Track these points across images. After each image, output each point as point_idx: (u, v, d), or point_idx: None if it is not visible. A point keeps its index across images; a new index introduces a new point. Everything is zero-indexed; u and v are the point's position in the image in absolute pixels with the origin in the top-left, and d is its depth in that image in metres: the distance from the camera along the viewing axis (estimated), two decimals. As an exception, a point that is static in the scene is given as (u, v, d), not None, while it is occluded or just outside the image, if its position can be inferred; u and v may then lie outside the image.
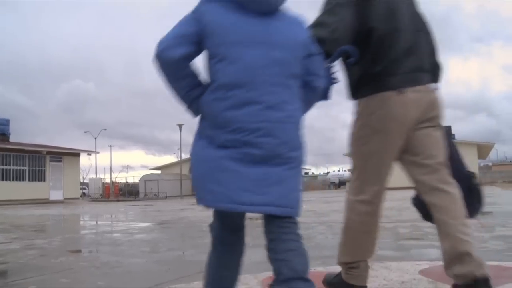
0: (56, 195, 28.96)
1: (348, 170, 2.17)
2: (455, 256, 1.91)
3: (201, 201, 1.54)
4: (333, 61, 1.92)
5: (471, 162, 37.48)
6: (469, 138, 50.36)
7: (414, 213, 7.53)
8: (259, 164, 1.47)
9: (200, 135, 1.57)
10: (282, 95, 1.51)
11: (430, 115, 2.05)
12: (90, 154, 37.63)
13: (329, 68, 1.89)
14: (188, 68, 1.57)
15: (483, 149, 40.48)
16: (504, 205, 10.13)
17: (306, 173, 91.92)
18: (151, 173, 44.79)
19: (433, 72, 2.15)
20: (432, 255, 3.64)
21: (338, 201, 16.01)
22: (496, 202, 11.45)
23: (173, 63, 1.53)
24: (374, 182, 2.09)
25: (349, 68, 2.13)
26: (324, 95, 1.90)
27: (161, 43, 1.54)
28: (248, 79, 1.47)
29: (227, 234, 1.67)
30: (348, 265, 2.18)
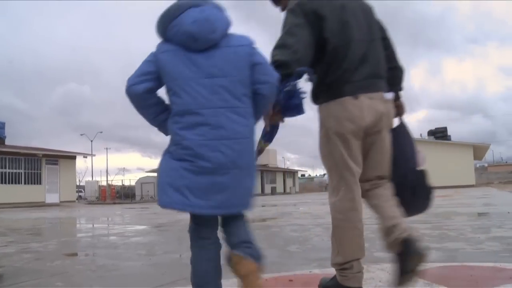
0: (52, 198, 28.89)
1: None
2: (386, 229, 2.14)
3: (160, 202, 1.87)
4: (295, 80, 2.09)
5: (467, 163, 37.65)
6: (465, 139, 50.61)
7: (410, 215, 7.34)
8: (208, 175, 1.79)
9: (166, 150, 1.90)
10: (228, 116, 1.82)
11: (383, 120, 2.22)
12: (86, 157, 37.55)
13: (295, 86, 2.08)
14: (152, 99, 1.92)
15: (479, 150, 40.63)
16: (500, 206, 10.16)
17: (303, 175, 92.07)
18: (147, 176, 44.70)
19: (392, 77, 2.35)
20: (429, 257, 3.65)
21: (334, 202, 16.03)
22: (492, 203, 11.49)
23: (138, 96, 1.88)
24: (348, 180, 2.22)
25: (309, 77, 2.28)
26: (298, 110, 2.14)
27: (128, 80, 1.88)
28: (196, 106, 1.80)
29: (201, 229, 1.95)
30: (341, 266, 2.24)
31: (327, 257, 3.65)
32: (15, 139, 34.95)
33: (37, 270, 3.71)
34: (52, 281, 3.18)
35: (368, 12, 2.35)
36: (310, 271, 3.07)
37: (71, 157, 31.65)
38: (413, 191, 2.32)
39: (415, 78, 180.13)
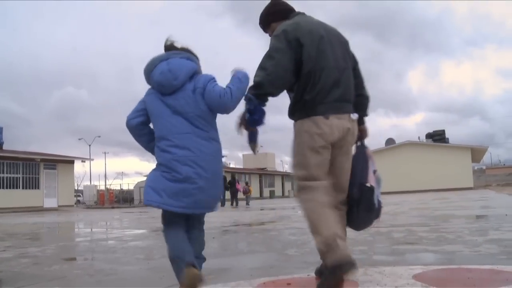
0: (50, 202, 28.82)
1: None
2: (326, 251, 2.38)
3: (144, 200, 2.45)
4: (257, 105, 2.52)
5: (465, 166, 37.70)
6: (463, 142, 50.68)
7: (408, 218, 7.62)
8: (179, 182, 2.33)
9: (155, 167, 2.48)
10: (193, 140, 2.38)
11: (348, 136, 2.61)
12: (84, 161, 37.48)
13: (255, 106, 2.52)
14: (144, 130, 2.55)
15: (477, 153, 40.71)
16: (497, 208, 10.18)
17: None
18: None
19: (358, 103, 2.74)
20: (426, 259, 3.66)
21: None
22: (490, 205, 11.52)
23: (134, 127, 2.54)
24: (313, 185, 2.54)
25: (288, 95, 2.72)
26: (259, 123, 2.60)
27: (127, 116, 2.53)
28: (167, 134, 2.40)
29: (171, 219, 2.46)
30: (325, 248, 2.41)
31: (325, 260, 3.66)
32: (13, 143, 34.94)
33: (35, 274, 3.70)
34: (50, 286, 3.18)
35: (344, 44, 2.74)
36: (308, 275, 3.07)
37: (69, 162, 31.61)
38: (358, 205, 2.65)
39: (413, 81, 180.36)
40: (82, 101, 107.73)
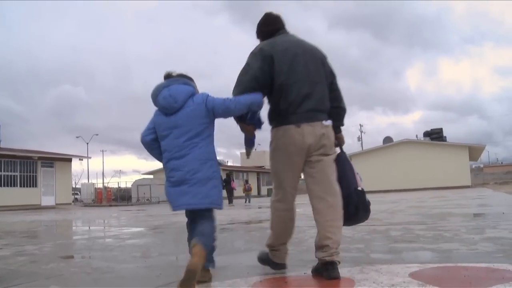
0: (48, 200, 28.78)
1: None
2: (319, 246, 2.79)
3: (171, 208, 3.00)
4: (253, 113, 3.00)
5: (463, 164, 37.75)
6: (461, 140, 50.77)
7: (406, 216, 7.64)
8: (176, 186, 2.89)
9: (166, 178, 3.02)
10: (190, 149, 2.87)
11: (321, 143, 2.87)
12: (82, 159, 37.39)
13: (253, 113, 3.00)
14: (155, 145, 3.05)
15: (474, 151, 40.75)
16: (495, 206, 10.21)
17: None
18: (143, 178, 44.60)
19: (335, 114, 3.04)
20: (423, 258, 3.67)
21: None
22: (487, 203, 11.54)
23: (147, 143, 3.07)
24: (284, 187, 2.98)
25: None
26: (257, 126, 3.08)
27: (141, 133, 3.07)
28: (168, 147, 2.94)
29: (187, 217, 3.12)
30: (272, 247, 3.11)
31: (322, 259, 3.66)
32: (10, 141, 34.83)
33: (32, 272, 3.70)
34: (47, 284, 3.18)
35: (320, 60, 3.04)
36: (304, 273, 3.08)
37: (67, 160, 31.55)
38: (357, 207, 2.95)
39: (411, 79, 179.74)
40: (79, 99, 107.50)
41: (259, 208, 16.36)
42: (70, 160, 31.95)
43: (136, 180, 42.26)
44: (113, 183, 56.20)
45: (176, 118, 2.90)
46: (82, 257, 4.80)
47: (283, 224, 3.04)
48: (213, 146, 2.98)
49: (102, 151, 64.45)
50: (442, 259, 3.49)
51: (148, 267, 3.73)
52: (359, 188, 2.99)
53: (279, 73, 2.88)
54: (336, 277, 2.69)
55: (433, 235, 4.98)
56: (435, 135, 41.99)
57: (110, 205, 31.89)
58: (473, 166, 60.52)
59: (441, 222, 6.76)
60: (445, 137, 42.34)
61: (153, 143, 3.03)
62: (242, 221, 9.21)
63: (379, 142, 44.07)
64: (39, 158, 28.88)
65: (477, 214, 8.33)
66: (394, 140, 42.32)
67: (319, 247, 2.78)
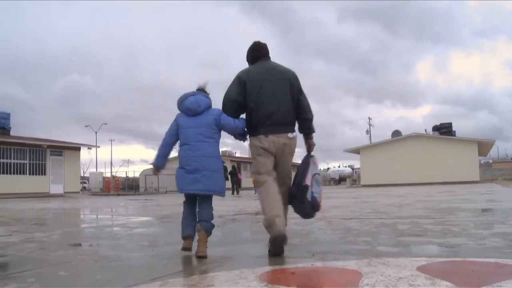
0: (56, 189, 29.02)
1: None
2: (270, 223, 3.56)
3: (178, 189, 3.76)
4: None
5: (472, 159, 37.45)
6: (470, 135, 50.31)
7: (413, 210, 7.62)
8: (190, 173, 3.63)
9: (179, 164, 3.76)
10: (203, 145, 3.67)
11: (285, 149, 3.82)
12: (90, 148, 37.64)
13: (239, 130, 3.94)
14: (173, 146, 3.89)
15: (483, 146, 40.42)
16: (503, 202, 10.13)
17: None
18: (151, 168, 44.73)
19: (303, 124, 3.95)
20: (431, 252, 3.65)
21: (338, 197, 16.02)
22: (496, 199, 11.46)
23: (169, 143, 3.86)
24: (262, 179, 3.79)
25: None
26: (242, 139, 4.07)
27: (166, 133, 3.86)
28: (187, 140, 3.71)
29: (187, 200, 3.84)
30: (267, 223, 3.59)
31: (330, 251, 3.68)
32: (19, 130, 35.08)
33: (41, 259, 3.73)
34: (55, 271, 3.20)
35: (286, 83, 3.84)
36: (312, 264, 3.08)
37: (76, 148, 31.74)
38: (294, 196, 3.89)
39: (421, 72, 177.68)
40: (87, 88, 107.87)
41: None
42: (78, 149, 32.14)
43: (144, 170, 42.44)
44: (121, 172, 56.57)
45: (196, 120, 3.75)
46: (89, 245, 4.83)
47: (275, 194, 3.67)
48: (218, 147, 3.85)
49: (111, 140, 64.97)
50: (450, 253, 3.47)
51: (156, 256, 3.74)
52: (303, 184, 3.85)
53: (250, 96, 3.77)
54: (282, 245, 3.53)
55: (441, 229, 4.96)
56: (444, 130, 41.63)
57: (118, 194, 32.11)
58: (482, 162, 60.02)
59: (449, 216, 6.72)
60: (454, 131, 41.98)
61: (173, 143, 3.86)
62: (250, 212, 9.22)
63: (388, 135, 43.85)
64: (48, 146, 29.08)
65: (486, 209, 8.26)
66: (403, 134, 42.09)
67: (270, 225, 3.59)
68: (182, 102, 3.80)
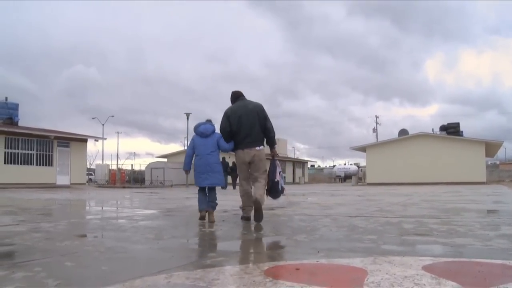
0: (63, 180, 29.18)
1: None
2: (252, 200, 5.83)
3: (197, 184, 6.18)
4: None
5: (479, 160, 37.19)
6: (478, 135, 49.95)
7: (419, 209, 7.58)
8: (203, 174, 6.02)
9: (195, 170, 6.16)
10: (210, 157, 6.05)
11: (255, 157, 5.96)
12: (97, 140, 37.73)
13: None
14: (192, 157, 6.28)
15: (491, 147, 40.11)
16: (510, 204, 10.07)
17: (312, 166, 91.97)
18: (157, 161, 44.94)
19: (268, 140, 6.18)
20: (436, 251, 3.63)
21: (343, 194, 16.00)
22: (503, 200, 11.39)
23: (190, 156, 6.28)
24: (243, 177, 6.15)
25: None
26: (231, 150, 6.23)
27: (187, 150, 6.47)
28: (200, 153, 6.09)
29: (201, 189, 6.28)
30: (243, 208, 6.11)
31: (335, 248, 3.67)
32: (25, 121, 35.20)
33: (47, 249, 3.76)
34: (61, 261, 3.23)
35: (255, 113, 5.99)
36: (317, 261, 3.08)
37: (83, 140, 31.88)
38: (271, 188, 6.11)
39: (430, 70, 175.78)
40: (92, 80, 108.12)
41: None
42: (85, 141, 32.27)
43: (150, 163, 42.57)
44: (127, 165, 56.77)
45: (206, 140, 6.08)
46: (95, 236, 4.86)
47: (247, 197, 6.04)
48: (219, 156, 6.13)
49: (117, 133, 65.18)
50: (455, 253, 3.45)
51: (161, 249, 3.76)
52: (275, 180, 6.10)
53: (233, 124, 5.98)
54: (259, 218, 5.71)
55: (446, 229, 4.94)
56: (451, 130, 41.35)
57: (124, 187, 32.23)
58: (489, 163, 59.68)
59: (455, 217, 6.69)
60: (462, 132, 41.71)
61: (192, 155, 6.15)
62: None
63: (395, 134, 43.65)
64: (55, 137, 29.22)
65: (492, 211, 8.21)
66: (410, 133, 41.89)
67: (252, 201, 5.81)
68: (197, 128, 6.16)
